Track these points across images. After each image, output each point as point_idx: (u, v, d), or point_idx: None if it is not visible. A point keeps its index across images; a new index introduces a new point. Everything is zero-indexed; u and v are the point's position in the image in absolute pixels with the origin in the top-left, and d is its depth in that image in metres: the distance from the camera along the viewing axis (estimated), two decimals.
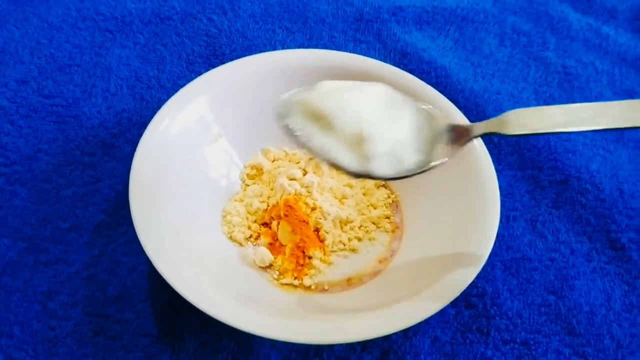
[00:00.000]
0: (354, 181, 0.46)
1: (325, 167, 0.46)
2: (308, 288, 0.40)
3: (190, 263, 0.37)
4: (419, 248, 0.42)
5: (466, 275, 0.37)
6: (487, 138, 0.42)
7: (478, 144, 0.43)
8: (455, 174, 0.43)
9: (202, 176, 0.44)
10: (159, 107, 0.43)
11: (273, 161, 0.47)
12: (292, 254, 0.41)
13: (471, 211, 0.41)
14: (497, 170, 0.42)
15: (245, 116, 0.46)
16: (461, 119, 0.45)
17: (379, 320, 0.36)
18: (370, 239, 0.44)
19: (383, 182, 0.47)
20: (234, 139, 0.46)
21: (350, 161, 0.35)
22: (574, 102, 0.56)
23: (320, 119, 0.36)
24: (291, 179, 0.44)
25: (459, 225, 0.40)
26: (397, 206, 0.46)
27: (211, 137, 0.45)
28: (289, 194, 0.43)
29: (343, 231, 0.43)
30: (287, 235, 0.42)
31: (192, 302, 0.33)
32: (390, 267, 0.42)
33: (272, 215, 0.43)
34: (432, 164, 0.36)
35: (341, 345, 0.39)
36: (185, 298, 0.33)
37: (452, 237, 0.40)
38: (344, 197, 0.45)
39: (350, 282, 0.41)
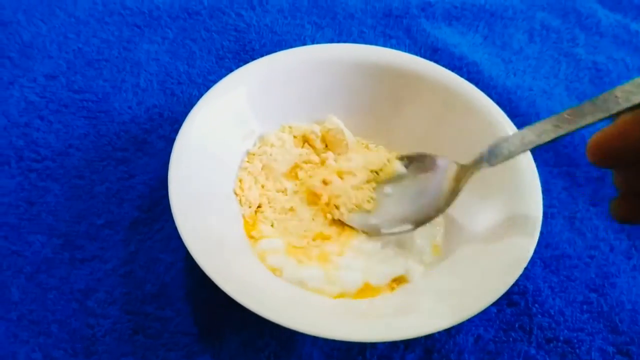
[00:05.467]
0: None
1: None
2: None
3: (230, 261, 0.37)
4: (458, 245, 0.41)
5: (510, 273, 0.36)
6: None
7: None
8: (493, 170, 0.42)
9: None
10: (190, 103, 0.43)
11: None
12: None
13: (512, 207, 0.40)
14: None
15: (280, 111, 0.46)
16: (497, 114, 0.44)
17: (423, 319, 0.35)
18: None
19: None
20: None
21: None
22: None
23: None
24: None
25: (500, 223, 0.40)
26: None
27: (247, 131, 0.44)
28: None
29: None
30: None
31: (238, 300, 0.33)
32: None
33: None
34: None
35: (384, 343, 0.38)
36: (229, 295, 0.33)
37: (493, 234, 0.39)
38: None
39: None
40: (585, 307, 0.41)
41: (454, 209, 0.43)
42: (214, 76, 0.53)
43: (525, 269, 0.36)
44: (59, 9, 0.57)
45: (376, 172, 0.44)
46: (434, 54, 0.57)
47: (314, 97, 0.47)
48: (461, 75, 0.46)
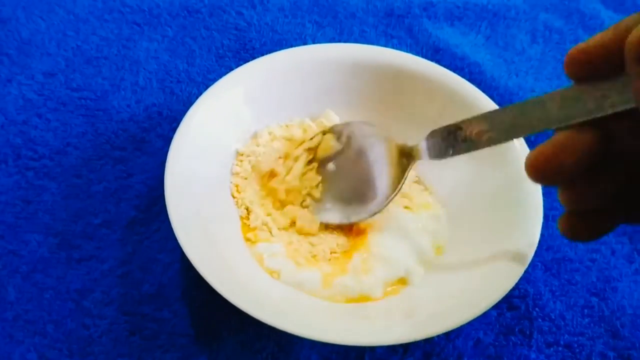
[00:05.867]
0: None
1: None
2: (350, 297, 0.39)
3: (227, 263, 0.36)
4: (458, 247, 0.41)
5: (510, 276, 0.36)
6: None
7: (517, 142, 0.42)
8: (493, 172, 0.42)
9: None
10: (189, 102, 0.42)
11: None
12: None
13: (513, 209, 0.40)
14: None
15: (280, 111, 0.46)
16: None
17: (421, 323, 0.35)
18: None
19: (417, 179, 0.46)
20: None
21: None
22: None
23: None
24: None
25: (500, 225, 0.39)
26: None
27: (246, 131, 0.44)
28: None
29: None
30: None
31: (235, 303, 0.32)
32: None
33: None
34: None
35: (382, 347, 0.38)
36: (227, 299, 0.32)
37: (494, 236, 0.39)
38: None
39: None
40: (586, 311, 0.41)
41: (454, 210, 0.43)
42: (213, 75, 0.52)
43: (526, 272, 0.36)
44: (58, 7, 0.56)
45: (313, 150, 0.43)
46: (435, 54, 0.57)
47: (314, 97, 0.46)
48: (463, 76, 0.46)
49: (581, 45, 0.26)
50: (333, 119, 0.46)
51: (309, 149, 0.43)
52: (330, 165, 0.42)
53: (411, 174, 0.45)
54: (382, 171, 0.41)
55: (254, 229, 0.41)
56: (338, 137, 0.43)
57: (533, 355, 0.38)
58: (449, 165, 0.44)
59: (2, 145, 0.45)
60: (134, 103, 0.49)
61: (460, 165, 0.43)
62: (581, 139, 0.25)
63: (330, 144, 0.43)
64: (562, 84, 0.56)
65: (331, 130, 0.43)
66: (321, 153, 0.43)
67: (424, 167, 0.45)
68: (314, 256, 0.40)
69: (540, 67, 0.58)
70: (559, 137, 0.26)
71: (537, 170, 0.26)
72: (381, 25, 0.60)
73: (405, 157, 0.40)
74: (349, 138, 0.43)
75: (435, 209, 0.43)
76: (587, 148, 0.25)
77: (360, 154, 0.42)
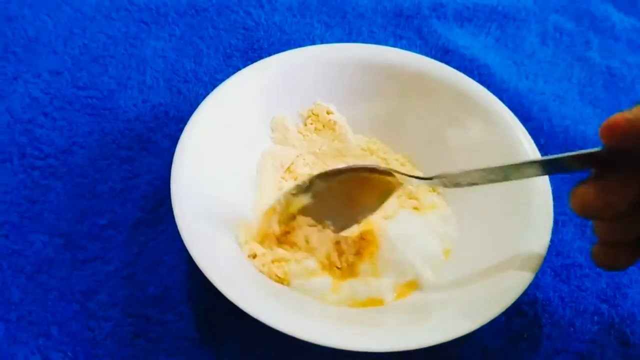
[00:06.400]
0: None
1: None
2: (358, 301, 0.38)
3: (234, 267, 0.36)
4: (468, 251, 0.40)
5: (521, 281, 0.35)
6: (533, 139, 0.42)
7: (529, 147, 0.42)
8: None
9: (243, 174, 0.43)
10: (196, 102, 0.42)
11: None
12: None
13: (522, 214, 0.39)
14: None
15: (287, 111, 0.46)
16: (508, 116, 0.43)
17: (429, 329, 0.34)
18: None
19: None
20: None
21: None
22: (619, 104, 0.55)
23: None
24: None
25: (511, 229, 0.39)
26: None
27: (253, 132, 0.44)
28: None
29: None
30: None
31: (241, 306, 0.32)
32: None
33: None
34: None
35: (390, 353, 0.37)
36: (233, 302, 0.32)
37: (504, 240, 0.39)
38: None
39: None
40: (595, 318, 0.40)
41: (463, 212, 0.42)
42: (221, 74, 0.52)
43: (535, 277, 0.35)
44: (65, 4, 0.56)
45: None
46: (445, 55, 0.56)
47: (322, 97, 0.46)
48: (472, 78, 0.46)
49: (623, 116, 0.27)
50: (324, 106, 0.46)
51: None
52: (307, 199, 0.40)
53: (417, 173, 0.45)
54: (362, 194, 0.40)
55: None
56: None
57: None
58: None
59: (7, 144, 0.45)
60: (141, 102, 0.49)
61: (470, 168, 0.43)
62: (630, 182, 0.28)
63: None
64: (572, 87, 0.56)
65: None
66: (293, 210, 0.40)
67: (430, 168, 0.44)
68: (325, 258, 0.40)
69: (551, 70, 0.57)
70: (608, 179, 0.29)
71: (580, 208, 0.30)
72: (390, 25, 0.59)
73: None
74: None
75: (443, 209, 0.43)
76: (636, 191, 0.28)
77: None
